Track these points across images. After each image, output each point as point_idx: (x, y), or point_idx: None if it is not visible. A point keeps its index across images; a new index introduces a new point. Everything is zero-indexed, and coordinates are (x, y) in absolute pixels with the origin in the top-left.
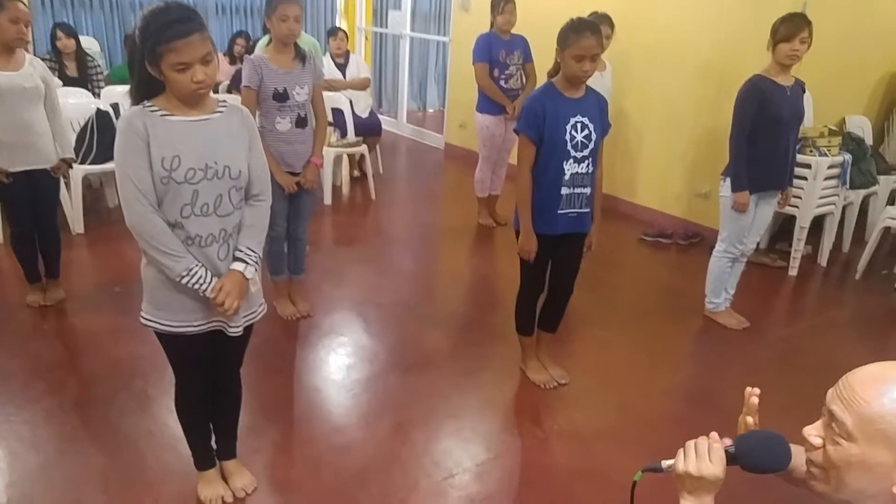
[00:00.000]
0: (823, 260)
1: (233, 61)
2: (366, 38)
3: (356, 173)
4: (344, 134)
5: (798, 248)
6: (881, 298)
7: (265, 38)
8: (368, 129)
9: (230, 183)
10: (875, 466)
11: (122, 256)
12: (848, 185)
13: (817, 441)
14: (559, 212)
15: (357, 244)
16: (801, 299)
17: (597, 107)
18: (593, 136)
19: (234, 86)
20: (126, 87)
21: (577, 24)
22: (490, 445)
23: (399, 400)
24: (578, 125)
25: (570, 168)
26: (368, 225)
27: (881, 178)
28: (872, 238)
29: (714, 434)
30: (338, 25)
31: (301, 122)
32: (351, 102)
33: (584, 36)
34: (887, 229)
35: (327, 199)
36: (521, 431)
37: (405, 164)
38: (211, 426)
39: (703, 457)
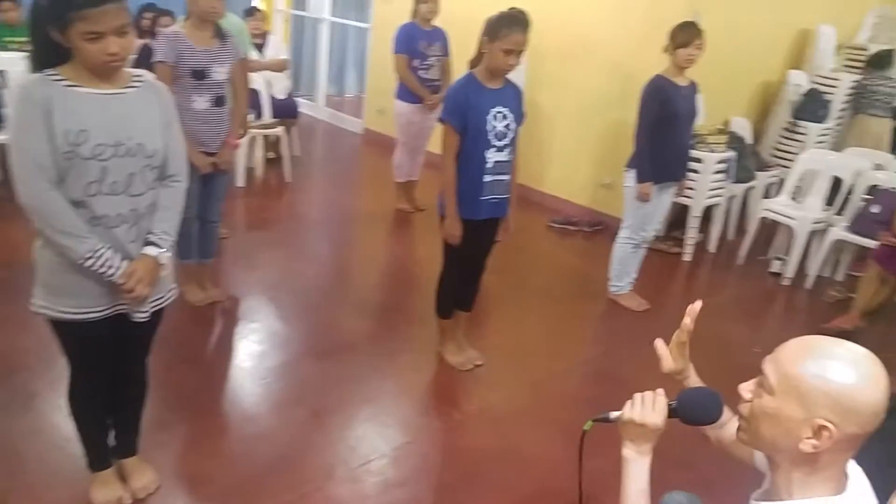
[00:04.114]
0: (712, 247)
1: (140, 35)
2: (285, 21)
3: (271, 155)
4: (259, 115)
5: (691, 235)
6: (759, 281)
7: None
8: (285, 111)
9: (144, 161)
10: (786, 420)
11: (5, 238)
12: (733, 180)
13: (747, 395)
14: (482, 198)
15: (271, 228)
16: (693, 282)
17: (515, 97)
18: (512, 126)
19: (141, 62)
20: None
21: (510, 18)
22: (407, 429)
23: (314, 386)
24: (499, 115)
25: (492, 156)
26: (283, 208)
27: (759, 174)
28: (752, 227)
29: (660, 389)
30: (254, 6)
31: (219, 102)
32: (268, 84)
33: (516, 31)
34: (763, 219)
35: (240, 182)
36: (437, 414)
37: (322, 148)
38: (109, 422)
39: (648, 406)
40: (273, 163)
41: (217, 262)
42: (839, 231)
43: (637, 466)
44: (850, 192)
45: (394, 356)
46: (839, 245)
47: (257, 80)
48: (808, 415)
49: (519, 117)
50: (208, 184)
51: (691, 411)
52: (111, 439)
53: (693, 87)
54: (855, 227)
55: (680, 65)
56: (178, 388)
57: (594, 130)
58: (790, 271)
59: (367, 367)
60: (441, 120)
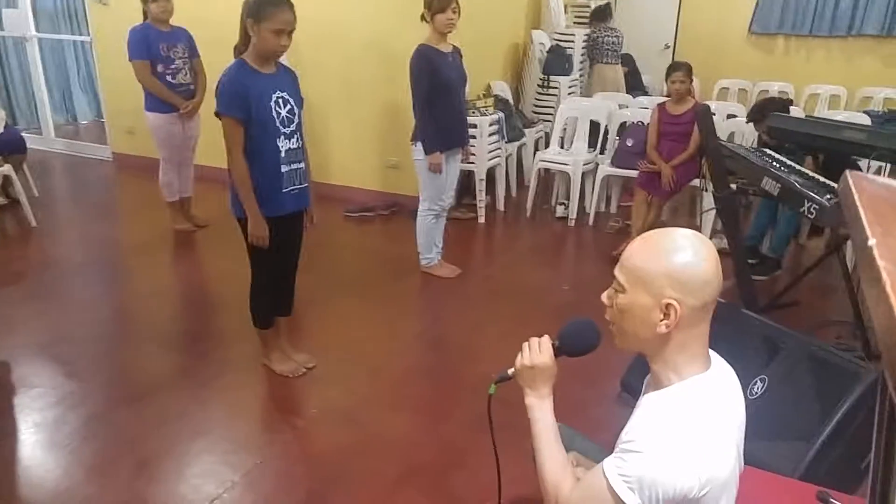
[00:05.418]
0: (501, 205)
1: None
2: None
3: (1, 201)
4: None
5: (481, 198)
6: (548, 227)
7: None
8: (10, 146)
9: None
10: (639, 309)
11: None
12: (506, 140)
13: (606, 301)
14: (283, 191)
15: (24, 280)
16: (492, 241)
17: (291, 81)
18: (295, 111)
19: None
20: None
21: None
22: (253, 451)
23: (132, 436)
24: (280, 101)
25: (283, 145)
26: (34, 256)
27: (526, 131)
28: (531, 180)
29: (544, 335)
30: None
31: None
32: None
33: (283, 10)
34: (540, 171)
35: None
36: (282, 427)
37: (67, 183)
38: None
39: (535, 349)
40: (7, 208)
41: None
42: (606, 168)
43: (540, 409)
44: (606, 133)
45: (215, 382)
46: (608, 180)
47: None
48: (655, 299)
49: (299, 101)
50: None
51: (573, 343)
52: None
53: (457, 53)
54: (617, 162)
55: (440, 30)
56: None
57: (368, 113)
58: (573, 213)
59: (187, 400)
60: (219, 114)
